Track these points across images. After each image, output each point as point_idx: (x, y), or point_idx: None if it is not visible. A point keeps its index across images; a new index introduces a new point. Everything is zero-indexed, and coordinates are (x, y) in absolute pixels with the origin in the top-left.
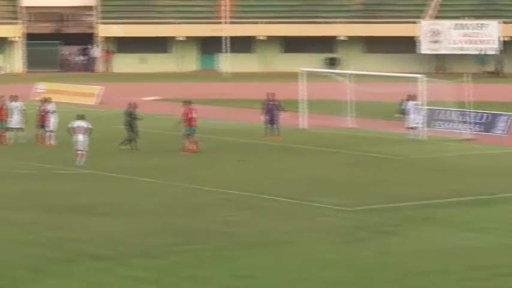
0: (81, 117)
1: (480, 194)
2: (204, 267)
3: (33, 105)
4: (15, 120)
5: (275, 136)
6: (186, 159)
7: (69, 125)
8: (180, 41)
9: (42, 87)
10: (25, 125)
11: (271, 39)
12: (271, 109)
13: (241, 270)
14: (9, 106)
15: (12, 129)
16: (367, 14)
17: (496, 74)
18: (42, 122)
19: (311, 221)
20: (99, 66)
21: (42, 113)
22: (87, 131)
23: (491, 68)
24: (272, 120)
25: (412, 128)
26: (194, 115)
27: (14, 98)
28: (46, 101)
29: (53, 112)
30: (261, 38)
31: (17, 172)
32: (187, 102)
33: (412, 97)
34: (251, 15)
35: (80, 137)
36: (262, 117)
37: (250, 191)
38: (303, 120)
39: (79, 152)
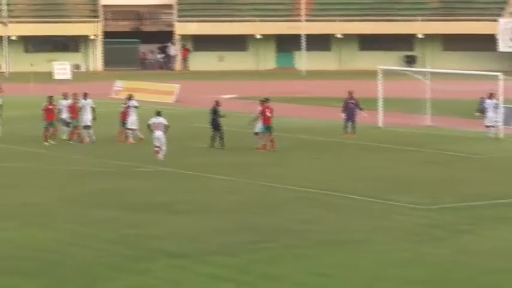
0: (158, 113)
1: None
2: (279, 265)
3: (111, 103)
4: (87, 118)
5: (351, 134)
6: (262, 157)
7: (149, 122)
8: (257, 39)
9: (120, 85)
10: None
11: (348, 37)
12: (351, 107)
13: (317, 268)
14: (82, 104)
15: (86, 127)
16: (445, 11)
17: None
18: (123, 119)
19: (387, 219)
20: (177, 65)
21: (125, 110)
22: (165, 128)
23: None
24: (349, 118)
25: (490, 126)
26: (269, 113)
27: (85, 96)
28: (129, 98)
29: (135, 107)
30: (338, 35)
31: (95, 170)
32: (264, 100)
33: (492, 95)
34: (328, 13)
35: (158, 134)
36: (342, 115)
37: (326, 189)
38: (380, 118)
39: (157, 148)
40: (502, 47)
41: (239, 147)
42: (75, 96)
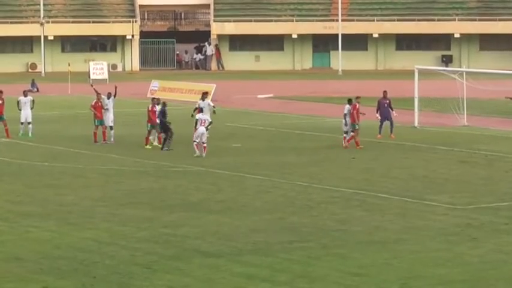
0: (201, 110)
1: None
2: (315, 265)
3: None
4: (109, 118)
5: (390, 134)
6: (299, 157)
7: (196, 117)
8: (294, 38)
9: (156, 85)
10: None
11: (385, 37)
12: (385, 107)
13: (353, 268)
14: (105, 103)
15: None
16: (482, 11)
17: None
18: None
19: (423, 219)
20: (213, 64)
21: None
22: (208, 124)
23: None
24: (385, 118)
25: None
26: (355, 112)
27: (109, 95)
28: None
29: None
30: (375, 35)
31: (131, 170)
32: (351, 100)
33: None
34: (365, 13)
35: (201, 129)
36: (377, 115)
37: (362, 189)
38: (416, 118)
39: (195, 142)
40: None
41: (276, 147)
42: (99, 95)
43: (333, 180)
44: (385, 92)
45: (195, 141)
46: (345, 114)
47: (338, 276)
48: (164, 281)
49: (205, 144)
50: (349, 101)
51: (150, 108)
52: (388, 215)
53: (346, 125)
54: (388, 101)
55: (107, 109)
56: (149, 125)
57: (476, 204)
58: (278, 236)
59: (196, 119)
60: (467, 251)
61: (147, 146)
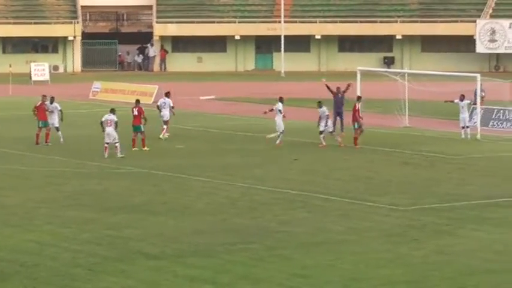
0: (112, 110)
1: None
2: (258, 267)
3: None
4: (55, 119)
5: (340, 133)
6: (241, 158)
7: (102, 119)
8: (237, 40)
9: (98, 86)
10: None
11: (328, 38)
12: (339, 100)
13: (296, 269)
14: (49, 107)
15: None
16: (424, 13)
17: None
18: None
19: (365, 220)
20: (156, 66)
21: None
22: (115, 124)
23: None
24: (337, 114)
25: (465, 127)
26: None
27: (52, 100)
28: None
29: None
30: (317, 37)
31: (72, 171)
32: (321, 102)
33: (463, 97)
34: (307, 14)
35: (108, 130)
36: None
37: (305, 190)
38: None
39: (106, 144)
40: (480, 48)
41: (220, 149)
42: (43, 98)
43: (275, 181)
44: (338, 88)
45: (106, 143)
46: (325, 116)
47: (281, 278)
48: (107, 283)
49: (117, 144)
50: (320, 103)
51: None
52: (330, 216)
53: (326, 125)
54: (342, 96)
55: (52, 111)
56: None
57: (419, 205)
58: (221, 238)
59: (102, 121)
60: (410, 252)
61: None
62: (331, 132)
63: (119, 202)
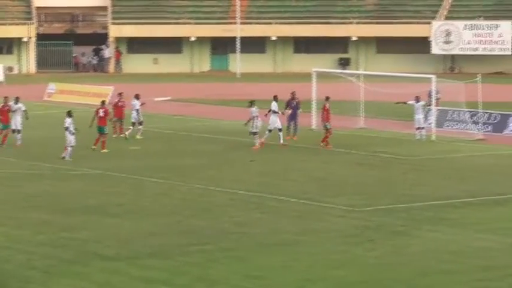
0: (68, 113)
1: (492, 194)
2: (214, 268)
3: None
4: (18, 121)
5: (292, 135)
6: (198, 159)
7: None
8: (192, 41)
9: (52, 88)
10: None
11: (284, 40)
12: (293, 108)
13: (252, 270)
14: (13, 108)
15: (14, 130)
16: (380, 14)
17: None
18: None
19: (321, 221)
20: (111, 67)
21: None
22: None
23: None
24: (292, 119)
25: (421, 128)
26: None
27: (17, 100)
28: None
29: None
30: (273, 38)
31: (27, 173)
32: (253, 102)
33: (418, 98)
34: (264, 16)
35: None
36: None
37: (260, 191)
38: (314, 120)
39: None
40: (435, 49)
41: (175, 150)
42: (6, 99)
43: (231, 182)
44: (293, 92)
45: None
46: (254, 117)
47: (237, 279)
48: (62, 286)
49: (69, 148)
50: (251, 103)
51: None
52: (286, 217)
53: (256, 127)
54: (296, 102)
55: (15, 111)
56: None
57: (374, 206)
58: (177, 239)
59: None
60: (365, 252)
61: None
62: (254, 133)
63: (74, 204)
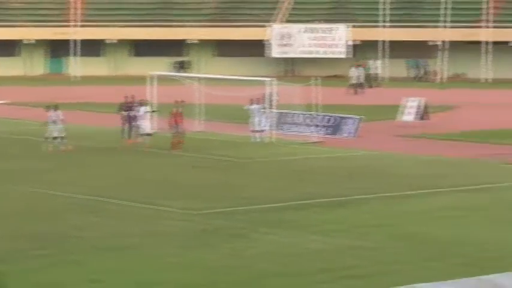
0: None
1: (329, 196)
2: (52, 273)
3: None
4: None
5: (133, 139)
6: (38, 163)
7: None
8: (28, 44)
9: None
10: None
11: (122, 43)
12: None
13: (90, 274)
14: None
15: None
16: (219, 17)
17: (419, 79)
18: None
19: (158, 224)
20: None
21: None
22: None
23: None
24: (128, 122)
25: (257, 131)
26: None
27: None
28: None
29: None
30: (112, 41)
31: None
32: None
33: (258, 100)
34: (101, 19)
35: None
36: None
37: (98, 195)
38: (151, 124)
39: None
40: (273, 52)
41: (10, 154)
42: None
43: (68, 186)
44: (126, 96)
45: None
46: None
47: (74, 283)
48: None
49: None
50: (53, 107)
51: None
52: (123, 220)
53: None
54: (136, 105)
55: None
56: None
57: (212, 209)
58: (14, 244)
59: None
60: (203, 255)
61: None
62: (54, 138)
63: None
